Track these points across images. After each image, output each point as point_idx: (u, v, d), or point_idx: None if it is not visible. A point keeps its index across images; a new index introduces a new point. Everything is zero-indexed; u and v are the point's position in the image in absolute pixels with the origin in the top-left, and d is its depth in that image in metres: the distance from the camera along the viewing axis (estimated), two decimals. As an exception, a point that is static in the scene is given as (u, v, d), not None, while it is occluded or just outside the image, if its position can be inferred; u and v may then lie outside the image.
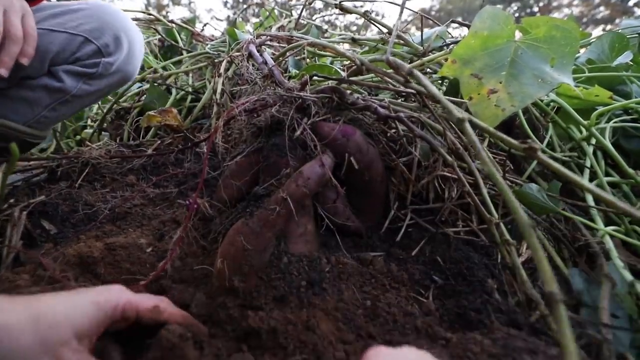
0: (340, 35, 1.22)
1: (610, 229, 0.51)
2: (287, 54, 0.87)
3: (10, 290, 0.42)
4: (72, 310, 0.32)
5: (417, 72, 0.43)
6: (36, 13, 0.64)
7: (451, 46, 0.74)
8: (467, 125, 0.32)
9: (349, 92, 0.53)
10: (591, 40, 0.97)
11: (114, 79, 0.73)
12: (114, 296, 0.35)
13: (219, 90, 0.87)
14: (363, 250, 0.51)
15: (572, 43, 0.49)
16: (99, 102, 1.23)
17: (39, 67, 0.66)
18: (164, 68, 1.14)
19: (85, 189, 0.66)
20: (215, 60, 1.09)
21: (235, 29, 1.10)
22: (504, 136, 0.34)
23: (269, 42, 0.96)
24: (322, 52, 0.97)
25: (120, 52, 0.71)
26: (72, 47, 0.67)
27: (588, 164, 0.63)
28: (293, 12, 1.51)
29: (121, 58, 0.71)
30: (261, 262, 0.43)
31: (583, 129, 0.67)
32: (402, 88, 0.57)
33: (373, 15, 0.91)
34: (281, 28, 1.35)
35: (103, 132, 1.06)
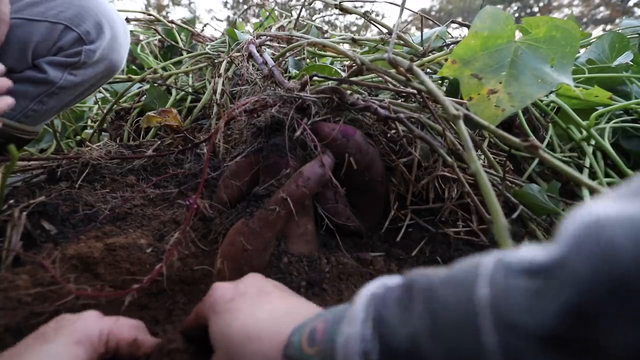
0: (340, 35, 1.22)
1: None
2: (287, 54, 0.87)
3: (9, 290, 0.42)
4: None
5: (416, 69, 0.43)
6: (15, 4, 0.62)
7: (451, 46, 0.74)
8: (461, 123, 0.32)
9: (349, 92, 0.53)
10: (591, 41, 0.97)
11: (99, 68, 0.71)
12: (94, 328, 0.33)
13: (219, 91, 0.87)
14: (363, 251, 0.51)
15: (572, 43, 0.49)
16: (100, 103, 1.23)
17: (21, 59, 0.64)
18: (164, 68, 1.14)
19: (86, 190, 0.66)
20: (215, 61, 1.09)
21: (235, 30, 1.10)
22: (505, 134, 0.34)
23: (268, 43, 0.96)
24: (322, 52, 0.97)
25: (102, 38, 0.68)
26: (53, 36, 0.65)
27: (587, 164, 0.63)
28: (293, 12, 1.52)
29: (104, 45, 0.69)
30: (261, 262, 0.43)
31: (583, 130, 0.67)
32: (402, 88, 0.57)
33: (373, 15, 0.91)
34: (281, 28, 1.35)
35: (103, 133, 1.06)
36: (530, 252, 0.17)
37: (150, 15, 1.35)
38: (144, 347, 0.34)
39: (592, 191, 0.30)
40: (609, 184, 0.61)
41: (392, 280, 0.22)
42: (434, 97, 0.37)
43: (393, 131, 0.57)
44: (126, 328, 0.35)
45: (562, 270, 0.15)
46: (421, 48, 0.75)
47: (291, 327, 0.25)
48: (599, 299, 0.13)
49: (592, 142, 0.66)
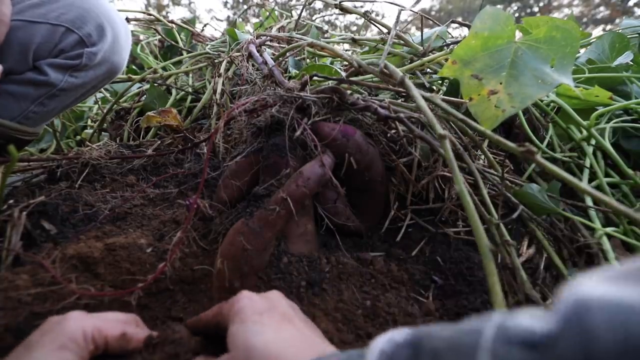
0: (340, 35, 1.22)
1: (609, 229, 0.51)
2: (287, 54, 0.87)
3: (9, 290, 0.42)
4: None
5: (408, 82, 0.43)
6: (16, 5, 0.62)
7: (451, 46, 0.74)
8: (447, 143, 0.33)
9: (349, 92, 0.53)
10: (591, 40, 0.96)
11: (101, 70, 0.70)
12: (77, 328, 0.32)
13: (218, 91, 0.87)
14: (363, 250, 0.51)
15: (572, 43, 0.49)
16: (99, 103, 1.23)
17: (22, 60, 0.64)
18: (164, 68, 1.14)
19: (85, 189, 0.66)
20: (215, 61, 1.09)
21: (235, 29, 1.10)
22: (502, 139, 0.34)
23: (268, 43, 0.96)
24: (322, 53, 0.97)
25: (104, 41, 0.68)
26: (54, 38, 0.65)
27: (588, 164, 0.63)
28: (293, 12, 1.52)
29: (105, 47, 0.69)
30: (261, 262, 0.43)
31: (583, 129, 0.67)
32: (401, 88, 0.57)
33: (373, 15, 0.91)
34: (281, 28, 1.35)
35: (103, 133, 1.06)
36: (529, 320, 0.18)
37: (150, 15, 1.35)
38: (134, 340, 0.34)
39: (589, 195, 0.30)
40: (610, 184, 0.61)
41: (400, 336, 0.23)
42: (422, 113, 0.37)
43: (393, 131, 0.57)
44: (113, 323, 0.34)
45: (552, 350, 0.16)
46: (421, 48, 0.75)
47: (309, 357, 0.27)
48: None
49: (592, 142, 0.66)
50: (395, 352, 0.22)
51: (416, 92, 0.39)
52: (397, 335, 0.23)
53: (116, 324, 0.34)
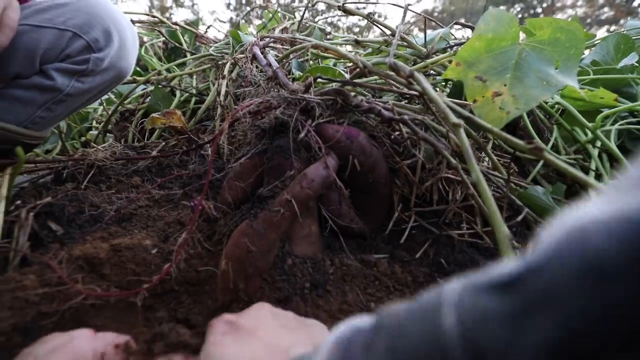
0: (343, 37, 1.23)
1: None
2: (291, 55, 0.87)
3: (17, 290, 0.43)
4: None
5: (417, 75, 0.43)
6: (23, 10, 0.63)
7: (455, 48, 0.74)
8: (462, 131, 0.33)
9: (352, 94, 0.54)
10: (596, 42, 0.96)
11: (108, 75, 0.70)
12: (87, 347, 0.32)
13: (222, 92, 0.88)
14: (367, 252, 0.51)
15: (577, 45, 0.49)
16: (104, 104, 1.24)
17: (29, 65, 0.64)
18: (168, 70, 1.15)
19: (91, 191, 0.66)
20: (219, 62, 1.09)
21: (238, 31, 1.10)
22: (509, 136, 0.34)
23: (272, 44, 0.97)
24: (326, 54, 0.97)
25: (110, 46, 0.68)
26: (61, 43, 0.65)
27: (593, 166, 0.63)
28: (296, 14, 1.52)
29: (112, 53, 0.69)
30: (265, 263, 0.44)
31: (588, 132, 0.66)
32: (405, 90, 0.57)
33: (376, 16, 0.91)
34: (284, 30, 1.35)
35: (108, 134, 1.06)
36: (500, 268, 0.14)
37: (154, 17, 1.36)
38: None
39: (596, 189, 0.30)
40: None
41: (363, 322, 0.20)
42: (434, 104, 0.37)
43: (397, 133, 0.57)
44: (112, 340, 0.35)
45: (537, 278, 0.12)
46: (424, 50, 0.75)
47: None
48: (592, 330, 0.10)
49: (598, 144, 0.66)
50: (354, 336, 0.19)
51: (427, 84, 0.39)
52: (360, 321, 0.20)
53: (114, 339, 0.35)
